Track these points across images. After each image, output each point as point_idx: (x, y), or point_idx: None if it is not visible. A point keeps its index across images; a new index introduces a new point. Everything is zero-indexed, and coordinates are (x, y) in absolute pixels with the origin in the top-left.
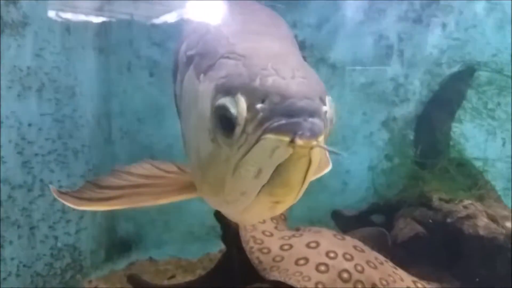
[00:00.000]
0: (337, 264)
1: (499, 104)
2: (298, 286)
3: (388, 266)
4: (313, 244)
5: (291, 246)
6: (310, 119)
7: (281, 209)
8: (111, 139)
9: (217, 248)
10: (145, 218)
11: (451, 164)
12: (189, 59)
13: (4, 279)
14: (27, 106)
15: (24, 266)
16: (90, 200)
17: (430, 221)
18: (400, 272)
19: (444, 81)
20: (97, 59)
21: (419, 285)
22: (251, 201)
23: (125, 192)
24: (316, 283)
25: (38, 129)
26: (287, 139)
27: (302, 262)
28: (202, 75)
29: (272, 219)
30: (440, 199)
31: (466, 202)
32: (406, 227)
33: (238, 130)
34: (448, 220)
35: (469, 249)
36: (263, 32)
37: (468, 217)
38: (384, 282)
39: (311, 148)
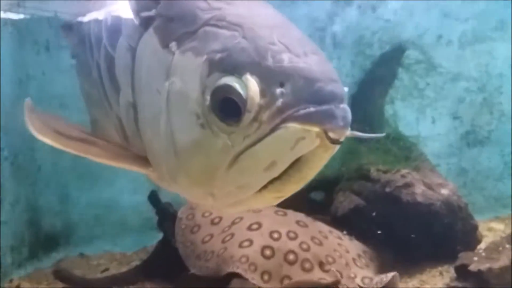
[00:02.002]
0: (282, 246)
1: (428, 84)
2: (245, 276)
3: (333, 239)
4: (255, 226)
5: (232, 235)
6: (342, 106)
7: (277, 202)
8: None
9: (154, 240)
10: (73, 212)
11: (387, 138)
12: (146, 21)
13: None
14: None
15: None
16: (55, 132)
17: (363, 188)
18: (345, 243)
19: (376, 60)
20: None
21: (363, 258)
22: (249, 195)
23: (86, 139)
24: (262, 273)
25: None
26: (316, 129)
27: (246, 243)
28: (174, 44)
29: None
30: (378, 170)
31: (404, 171)
32: (345, 200)
33: (247, 117)
34: (387, 189)
35: (408, 216)
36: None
37: (406, 185)
38: (330, 259)
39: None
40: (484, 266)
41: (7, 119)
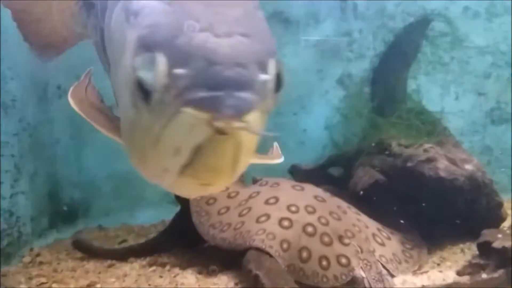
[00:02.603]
0: (300, 218)
1: (453, 58)
2: (263, 247)
3: (352, 214)
4: (272, 200)
5: (249, 209)
6: (237, 93)
7: (212, 191)
8: (46, 96)
9: (173, 214)
10: (91, 184)
11: (410, 112)
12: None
13: None
14: None
15: None
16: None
17: (384, 162)
18: (364, 218)
19: (399, 33)
20: None
21: (383, 233)
22: (174, 180)
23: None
24: (281, 242)
25: None
26: (205, 116)
27: (263, 219)
28: (132, 18)
29: None
30: (400, 145)
31: (426, 146)
32: (365, 175)
33: (155, 97)
34: (409, 164)
35: (430, 192)
36: None
37: (429, 160)
38: (349, 234)
39: (235, 129)
40: (508, 244)
41: (26, 90)
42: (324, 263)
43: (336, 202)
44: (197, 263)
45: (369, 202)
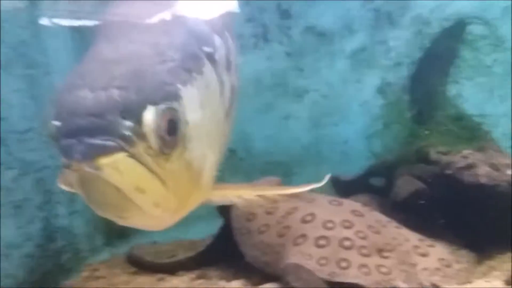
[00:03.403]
0: (337, 234)
1: (495, 60)
2: (301, 262)
3: (392, 228)
4: (308, 218)
5: (288, 228)
6: (88, 140)
7: (136, 224)
8: None
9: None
10: None
11: (448, 119)
12: None
13: None
14: None
15: (11, 246)
16: None
17: (423, 171)
18: (405, 231)
19: (435, 38)
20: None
21: (426, 242)
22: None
23: None
24: (318, 259)
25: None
26: (65, 161)
27: (300, 240)
28: None
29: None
30: (438, 152)
31: (465, 152)
32: (405, 185)
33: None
34: (447, 171)
35: (471, 199)
36: (141, 28)
37: (468, 166)
38: (389, 247)
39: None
40: None
41: None
42: (365, 269)
43: (375, 216)
44: (242, 275)
45: (410, 212)
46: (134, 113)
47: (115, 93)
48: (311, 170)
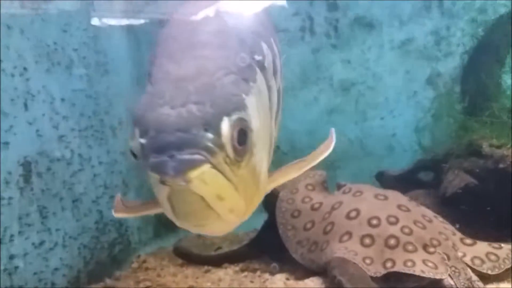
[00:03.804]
0: (382, 232)
1: None
2: (347, 256)
3: (438, 223)
4: (353, 214)
5: (333, 225)
6: (179, 156)
7: (209, 231)
8: None
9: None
10: None
11: (502, 110)
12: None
13: (51, 249)
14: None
15: (70, 237)
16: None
17: (475, 165)
18: (451, 227)
19: (490, 26)
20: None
21: (467, 240)
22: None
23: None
24: (364, 258)
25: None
26: (157, 176)
27: (345, 238)
28: None
29: (308, 185)
30: (491, 146)
31: None
32: (455, 179)
33: (140, 161)
34: (501, 165)
35: None
36: (198, 43)
37: None
38: (435, 242)
39: (186, 184)
40: None
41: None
42: (410, 263)
43: (421, 211)
44: (285, 269)
45: (459, 208)
46: (213, 125)
47: (194, 108)
48: (356, 164)
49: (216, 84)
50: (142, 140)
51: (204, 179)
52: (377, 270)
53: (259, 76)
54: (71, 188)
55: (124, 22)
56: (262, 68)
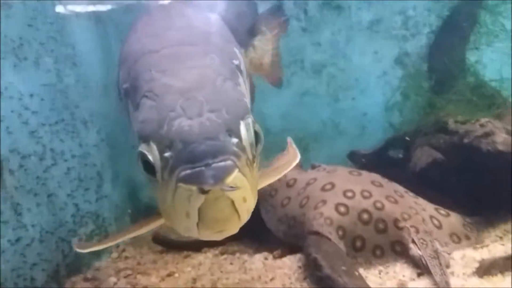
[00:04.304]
0: (356, 205)
1: None
2: (322, 231)
3: (409, 198)
4: (328, 186)
5: (308, 198)
6: (214, 164)
7: (228, 234)
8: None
9: None
10: None
11: (467, 87)
12: (126, 93)
13: (28, 245)
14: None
15: (47, 232)
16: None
17: (441, 141)
18: (422, 201)
19: (455, 6)
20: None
21: (441, 211)
22: (197, 232)
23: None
24: (337, 228)
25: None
26: (193, 188)
27: (320, 204)
28: (135, 113)
29: None
30: (456, 122)
31: (483, 120)
32: (423, 155)
33: (158, 175)
34: (465, 140)
35: (489, 167)
36: (186, 54)
37: (486, 134)
38: (405, 216)
39: (220, 193)
40: None
41: (100, 105)
42: (378, 252)
43: (393, 187)
44: (264, 249)
45: (429, 182)
46: (234, 130)
47: (212, 116)
48: (329, 145)
49: (221, 91)
50: (167, 154)
51: (236, 183)
52: (346, 245)
53: (241, 79)
54: (45, 183)
55: (92, 12)
56: (240, 71)
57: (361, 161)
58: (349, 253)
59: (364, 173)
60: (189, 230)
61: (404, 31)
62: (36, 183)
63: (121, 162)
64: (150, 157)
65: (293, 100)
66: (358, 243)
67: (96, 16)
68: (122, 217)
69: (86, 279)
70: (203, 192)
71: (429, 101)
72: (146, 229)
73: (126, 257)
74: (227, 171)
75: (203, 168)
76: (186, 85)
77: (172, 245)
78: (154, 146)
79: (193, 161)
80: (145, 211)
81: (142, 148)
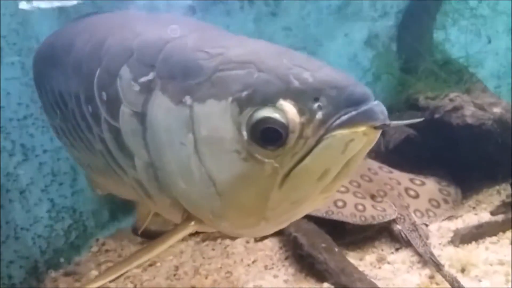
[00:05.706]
0: None
1: (480, 1)
2: None
3: (383, 174)
4: None
5: None
6: (376, 102)
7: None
8: None
9: None
10: None
11: (436, 65)
12: (147, 87)
13: (3, 242)
14: None
15: (21, 229)
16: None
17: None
18: (396, 175)
19: None
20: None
21: (416, 181)
22: (304, 206)
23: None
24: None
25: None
26: (362, 129)
27: None
28: (187, 98)
29: None
30: (426, 98)
31: (452, 95)
32: (396, 132)
33: (291, 137)
34: (436, 115)
35: (460, 140)
36: (223, 34)
37: (455, 108)
38: (381, 193)
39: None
40: None
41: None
42: (360, 207)
43: (366, 165)
44: None
45: (403, 158)
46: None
47: (334, 68)
48: None
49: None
50: (315, 105)
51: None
52: (328, 208)
53: None
54: (16, 180)
55: (55, 3)
56: None
57: None
58: (333, 209)
59: None
60: (296, 204)
61: (372, 13)
62: (7, 179)
63: None
64: (281, 119)
65: None
66: (340, 203)
67: (60, 7)
68: (100, 211)
69: (66, 274)
70: (375, 128)
71: (399, 80)
72: (175, 240)
73: (107, 250)
74: (385, 110)
75: (370, 106)
76: (271, 51)
77: (152, 235)
78: (287, 104)
79: (357, 103)
80: (122, 203)
81: (263, 113)
